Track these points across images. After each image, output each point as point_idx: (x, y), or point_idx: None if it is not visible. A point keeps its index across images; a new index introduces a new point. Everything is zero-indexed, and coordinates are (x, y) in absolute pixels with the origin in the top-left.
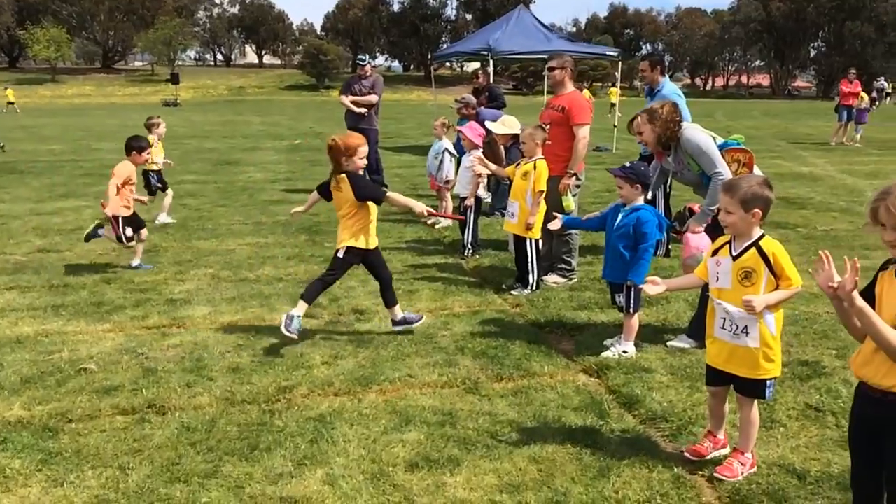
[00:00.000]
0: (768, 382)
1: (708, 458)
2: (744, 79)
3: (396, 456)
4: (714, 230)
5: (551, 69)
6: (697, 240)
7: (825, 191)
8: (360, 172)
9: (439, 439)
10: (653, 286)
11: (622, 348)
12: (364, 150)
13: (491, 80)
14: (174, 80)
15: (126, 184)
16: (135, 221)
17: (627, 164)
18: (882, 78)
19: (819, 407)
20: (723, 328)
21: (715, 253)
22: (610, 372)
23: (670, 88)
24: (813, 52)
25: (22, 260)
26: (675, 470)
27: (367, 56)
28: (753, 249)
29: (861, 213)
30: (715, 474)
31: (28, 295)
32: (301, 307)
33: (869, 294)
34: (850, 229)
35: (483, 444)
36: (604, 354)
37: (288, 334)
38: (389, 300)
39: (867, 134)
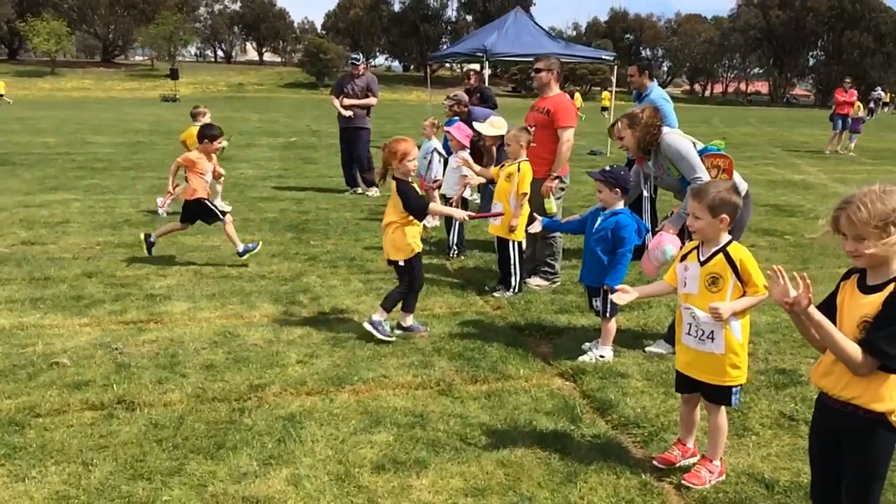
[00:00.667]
0: (734, 389)
1: (677, 465)
2: (742, 86)
3: (363, 457)
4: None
5: (537, 70)
6: (669, 239)
7: (816, 199)
8: (411, 175)
9: (408, 441)
10: (623, 294)
11: (599, 353)
12: (414, 153)
13: (486, 82)
14: (173, 75)
15: (192, 169)
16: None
17: (607, 168)
18: (879, 88)
19: (793, 416)
20: (689, 334)
21: (683, 258)
22: (585, 376)
23: (658, 93)
24: (812, 61)
25: (5, 252)
26: (643, 476)
27: (361, 55)
28: (721, 255)
29: None
30: (682, 482)
31: (7, 287)
32: (381, 314)
33: (831, 303)
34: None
35: (452, 446)
36: (581, 359)
37: (384, 338)
38: (409, 305)
39: (862, 143)
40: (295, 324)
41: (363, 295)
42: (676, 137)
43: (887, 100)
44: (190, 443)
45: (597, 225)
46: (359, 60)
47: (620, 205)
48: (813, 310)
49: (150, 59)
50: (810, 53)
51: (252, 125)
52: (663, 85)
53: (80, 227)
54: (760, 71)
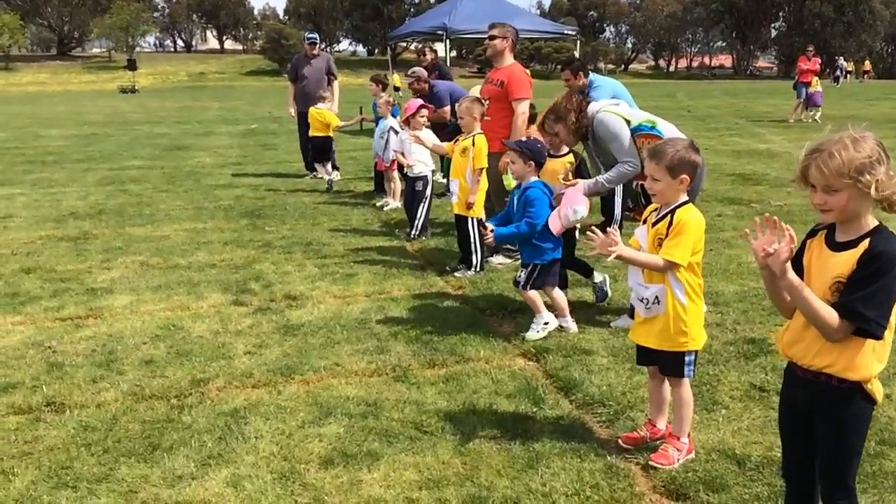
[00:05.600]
0: (686, 359)
1: (644, 445)
2: (706, 60)
3: (311, 452)
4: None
5: (492, 38)
6: (582, 199)
7: (781, 167)
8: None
9: (359, 432)
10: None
11: (543, 321)
12: None
13: (447, 61)
14: (131, 66)
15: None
16: None
17: (524, 139)
18: (841, 57)
19: (764, 387)
20: (639, 300)
21: (644, 221)
22: (549, 355)
23: (598, 85)
24: (774, 33)
25: None
26: (609, 459)
27: (317, 35)
28: (668, 216)
29: None
30: (649, 462)
31: None
32: (598, 275)
33: (796, 264)
34: (804, 204)
35: (406, 436)
36: (527, 335)
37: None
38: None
39: (825, 111)
40: (244, 313)
41: (318, 280)
42: (608, 118)
43: (850, 68)
44: (122, 445)
45: (517, 204)
46: (316, 39)
47: (533, 178)
48: (788, 267)
49: (107, 50)
50: (772, 25)
51: (212, 114)
52: (628, 61)
53: (22, 222)
54: (723, 44)
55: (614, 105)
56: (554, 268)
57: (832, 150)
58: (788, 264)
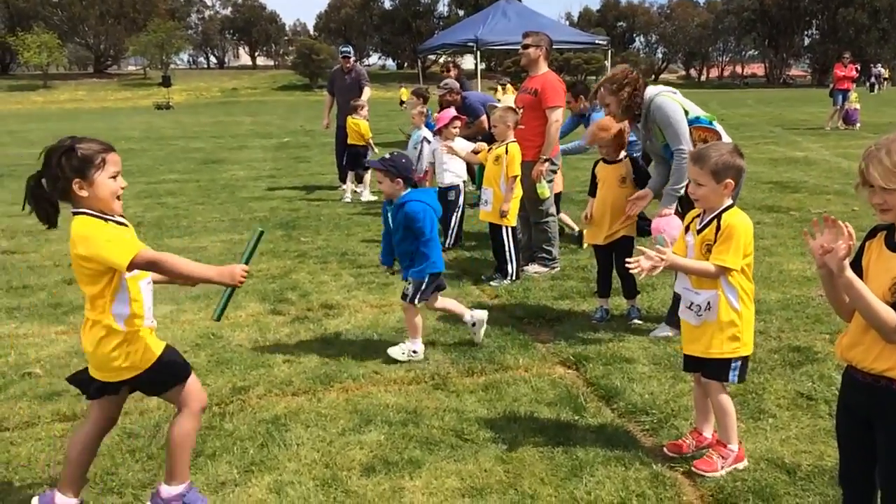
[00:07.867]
0: (733, 364)
1: (690, 454)
2: (738, 69)
3: (352, 459)
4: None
5: (526, 47)
6: (665, 223)
7: (819, 174)
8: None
9: (400, 440)
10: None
11: (411, 348)
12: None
13: (477, 73)
14: (165, 82)
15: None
16: None
17: (387, 156)
18: (879, 64)
19: (811, 395)
20: (689, 308)
21: (687, 229)
22: (589, 363)
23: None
24: (807, 41)
25: None
26: (654, 467)
27: (351, 48)
28: (715, 221)
29: (855, 196)
30: (693, 468)
31: None
32: (631, 301)
33: (855, 266)
34: (844, 211)
35: (447, 443)
36: (390, 350)
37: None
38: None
39: (863, 118)
40: (282, 322)
41: (354, 290)
42: (666, 100)
43: (887, 75)
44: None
45: (391, 222)
46: (349, 52)
47: (404, 192)
48: (847, 265)
49: (142, 67)
50: (805, 33)
51: (245, 128)
52: (659, 71)
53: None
54: (755, 53)
55: (672, 93)
56: (438, 280)
57: (890, 148)
58: (846, 262)
